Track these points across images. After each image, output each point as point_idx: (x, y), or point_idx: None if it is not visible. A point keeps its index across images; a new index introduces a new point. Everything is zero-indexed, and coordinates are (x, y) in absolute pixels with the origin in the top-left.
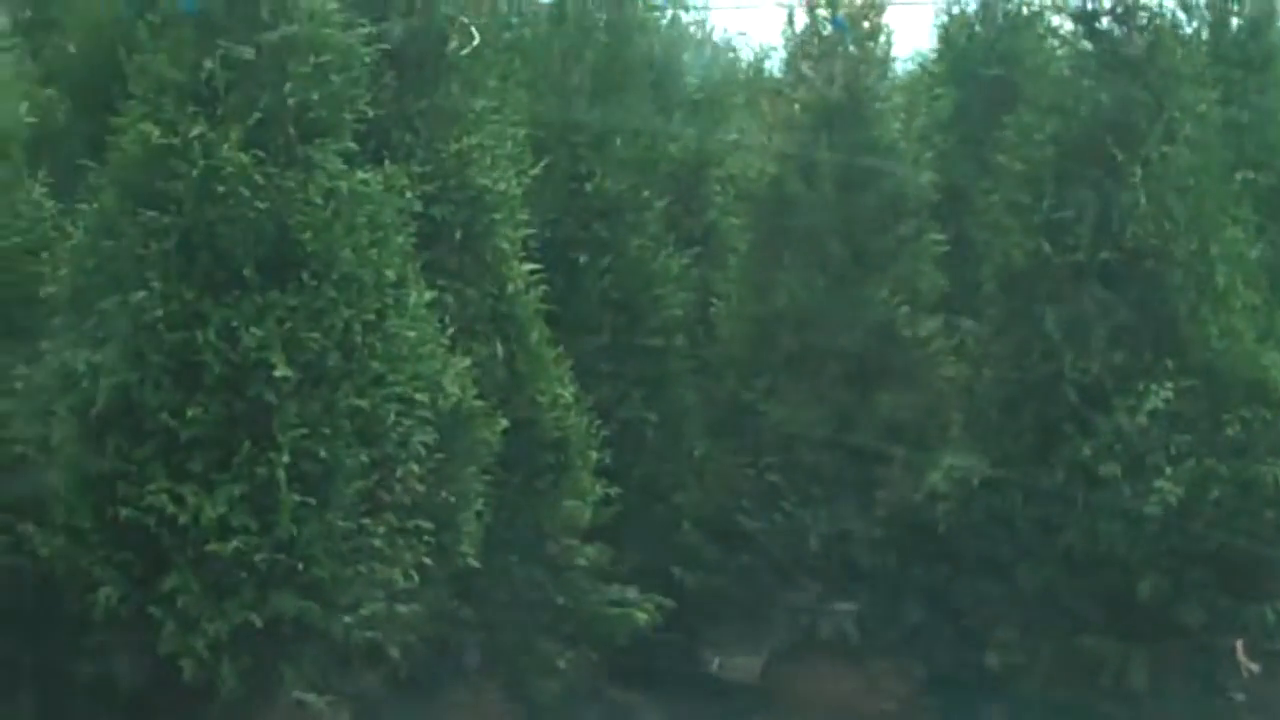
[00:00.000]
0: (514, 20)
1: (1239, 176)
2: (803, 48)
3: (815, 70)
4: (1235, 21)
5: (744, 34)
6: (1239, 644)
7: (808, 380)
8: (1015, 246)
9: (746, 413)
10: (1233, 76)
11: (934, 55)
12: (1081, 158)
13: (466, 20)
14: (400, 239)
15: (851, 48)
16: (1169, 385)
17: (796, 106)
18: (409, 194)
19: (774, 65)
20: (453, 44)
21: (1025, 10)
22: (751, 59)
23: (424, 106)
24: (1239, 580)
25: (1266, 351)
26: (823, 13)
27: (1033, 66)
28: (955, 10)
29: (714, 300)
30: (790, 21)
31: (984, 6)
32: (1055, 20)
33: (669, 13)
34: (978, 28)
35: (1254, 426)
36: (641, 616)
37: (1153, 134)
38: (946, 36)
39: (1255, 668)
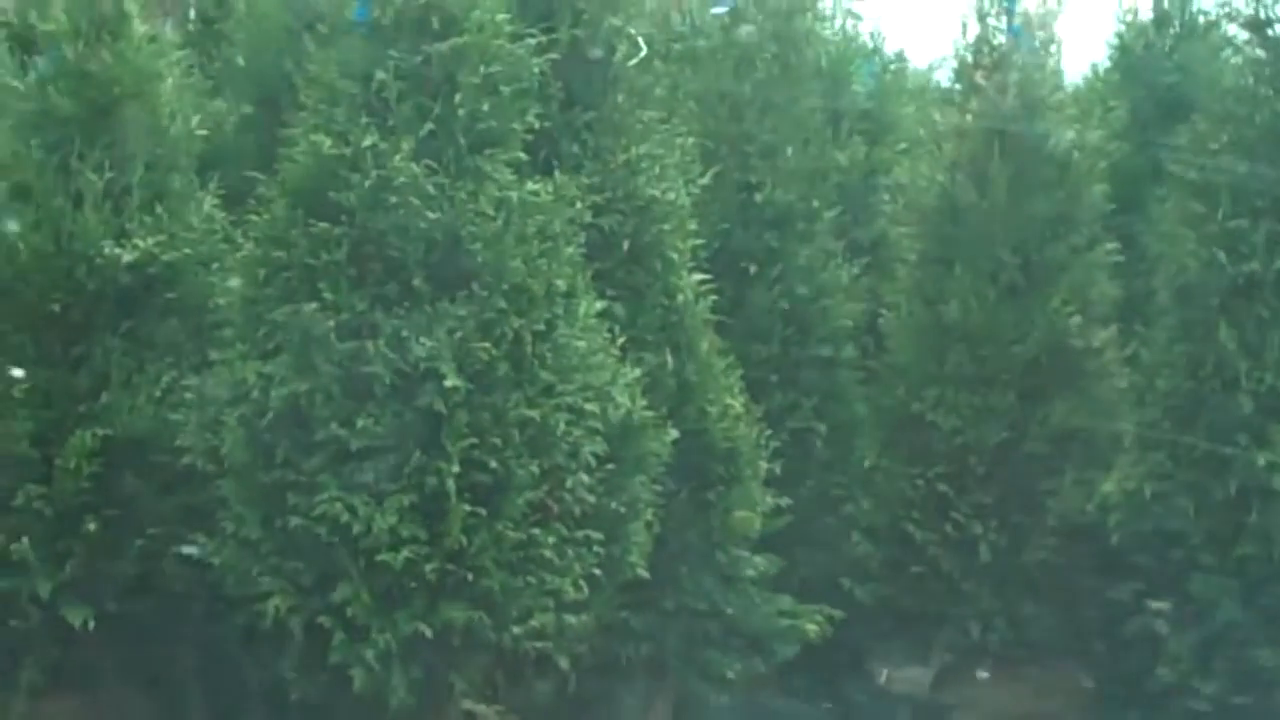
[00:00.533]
0: (684, 30)
1: None
2: (975, 57)
3: (988, 79)
4: None
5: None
6: None
7: (978, 391)
8: (1189, 256)
9: (916, 423)
10: None
11: (1108, 65)
12: (1256, 166)
13: (634, 31)
14: (570, 249)
15: (1025, 57)
16: None
17: (968, 116)
18: (578, 204)
19: (944, 75)
20: (620, 54)
21: (1200, 19)
22: (922, 68)
23: (592, 117)
24: None
25: None
26: (993, 22)
27: (1207, 75)
28: (1130, 19)
29: (883, 310)
30: (963, 31)
31: (1158, 16)
32: (1230, 29)
33: (839, 22)
34: (1152, 37)
35: None
36: (811, 628)
37: None
38: (1121, 46)
39: None
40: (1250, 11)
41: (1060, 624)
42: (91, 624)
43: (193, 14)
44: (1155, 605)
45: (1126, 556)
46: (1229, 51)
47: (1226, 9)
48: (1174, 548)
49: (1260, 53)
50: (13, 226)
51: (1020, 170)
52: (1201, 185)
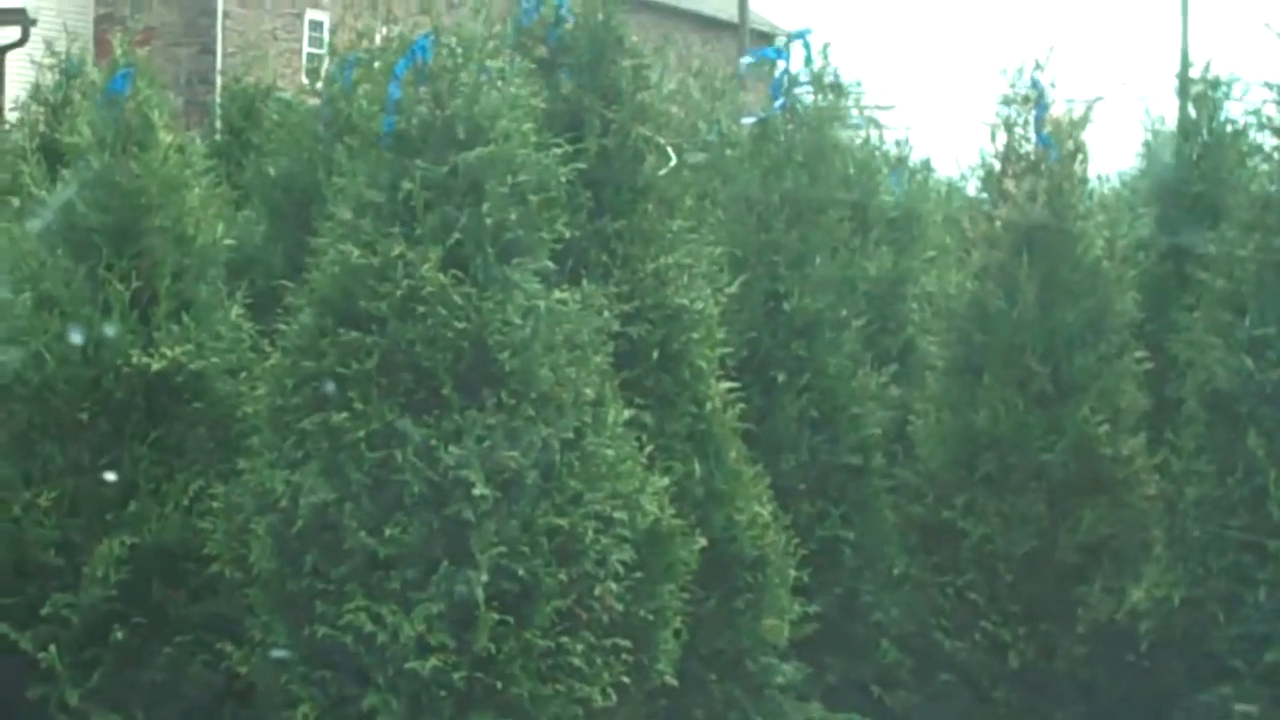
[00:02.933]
0: (712, 140)
1: None
2: (1004, 164)
3: (1017, 187)
4: None
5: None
6: None
7: (1008, 498)
8: (1217, 363)
9: (945, 531)
10: None
11: (1136, 172)
12: None
13: (662, 141)
14: (598, 358)
15: (1054, 165)
16: None
17: (997, 223)
18: (606, 313)
19: (972, 184)
20: (649, 164)
21: (1228, 127)
22: (949, 177)
23: (621, 226)
24: None
25: None
26: (1021, 130)
27: (1235, 183)
28: (1157, 127)
29: (912, 418)
30: (992, 138)
31: (1185, 124)
32: (1258, 137)
33: (866, 133)
34: (1180, 144)
35: None
36: None
37: None
38: (1148, 153)
39: None
40: None
41: None
42: None
43: (219, 124)
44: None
45: (1156, 663)
46: (1257, 159)
47: (1255, 116)
48: (1204, 655)
49: None
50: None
51: (1049, 278)
52: (1229, 293)
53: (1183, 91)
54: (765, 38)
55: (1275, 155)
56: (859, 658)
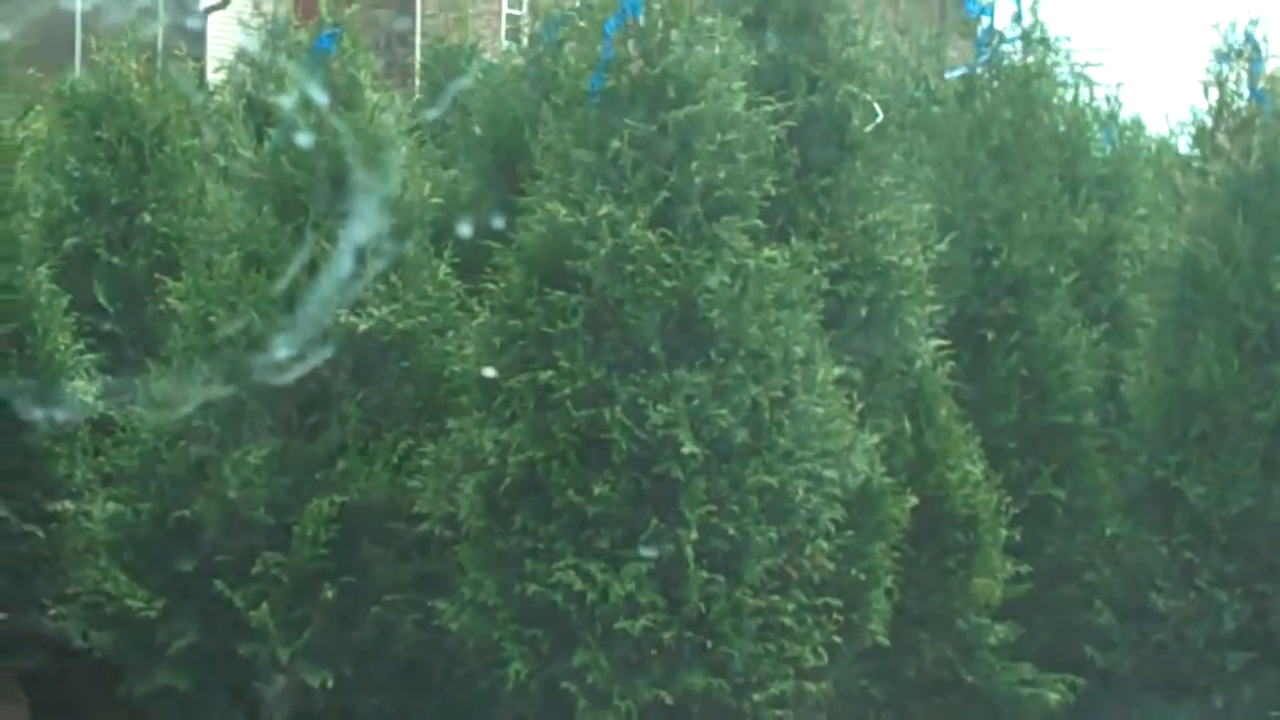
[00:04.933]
0: (920, 96)
1: None
2: (1216, 120)
3: (1230, 143)
4: None
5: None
6: None
7: (1223, 457)
8: None
9: (1159, 490)
10: None
11: None
12: None
13: (870, 97)
14: (807, 316)
15: (1269, 120)
16: None
17: (1211, 179)
18: (815, 270)
19: (1182, 141)
20: (856, 121)
21: None
22: (1160, 134)
23: (828, 183)
24: None
25: None
26: (1234, 86)
27: None
28: None
29: (1123, 377)
30: (1205, 93)
31: None
32: None
33: (1075, 88)
34: None
35: None
36: (1054, 696)
37: None
38: None
39: None
40: None
41: None
42: (330, 683)
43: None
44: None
45: None
46: None
47: None
48: None
49: None
50: None
51: (1264, 234)
52: None
53: None
54: None
55: None
56: (1071, 618)
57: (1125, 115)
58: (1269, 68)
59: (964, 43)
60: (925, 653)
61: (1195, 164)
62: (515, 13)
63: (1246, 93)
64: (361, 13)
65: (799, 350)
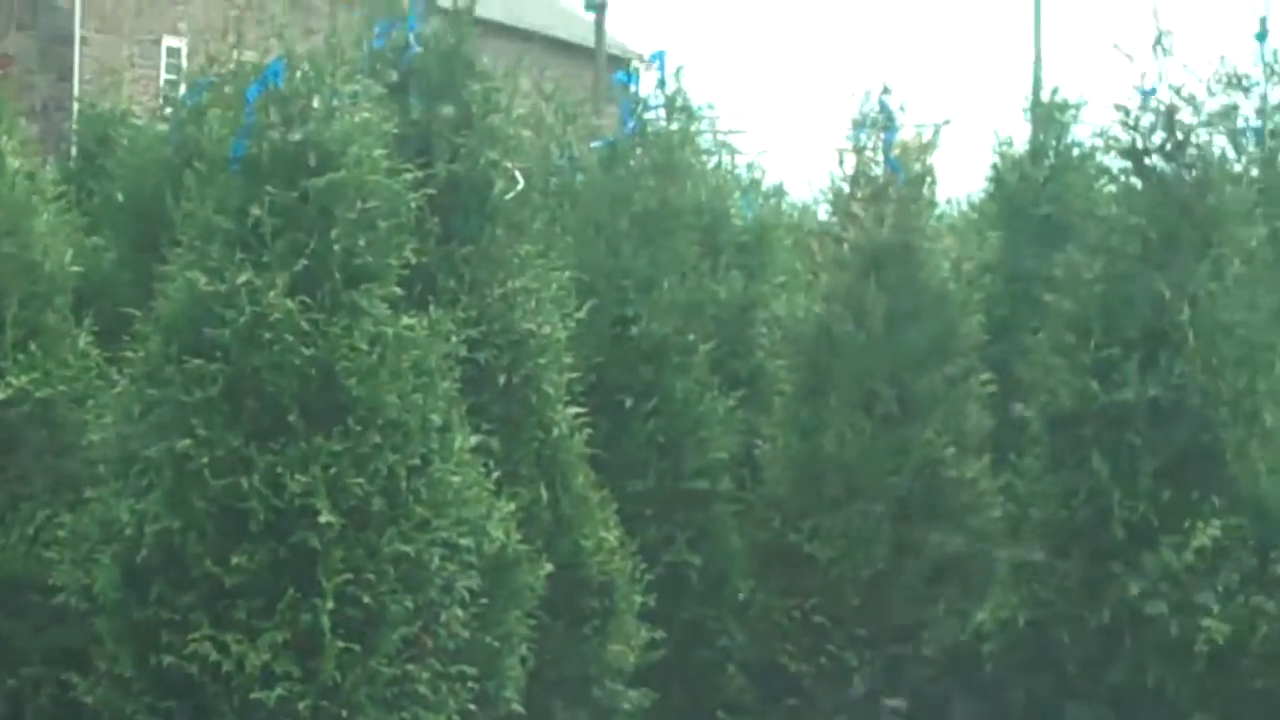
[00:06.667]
0: (563, 165)
1: None
2: (852, 188)
3: (865, 210)
4: None
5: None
6: None
7: (854, 522)
8: (1063, 385)
9: (792, 555)
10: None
11: (984, 196)
12: (1129, 296)
13: (511, 165)
14: (445, 384)
15: (902, 188)
16: (1216, 523)
17: (845, 247)
18: (454, 338)
19: (822, 208)
20: (498, 188)
21: (1075, 150)
22: (802, 201)
23: (469, 251)
24: None
25: None
26: (870, 154)
27: (1082, 206)
28: (1005, 150)
29: (759, 442)
30: (840, 162)
31: (1034, 146)
32: (1105, 159)
33: (717, 157)
34: (1027, 168)
35: None
36: None
37: (1200, 272)
38: (997, 177)
39: None
40: (1127, 141)
41: None
42: None
43: (74, 150)
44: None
45: (1002, 685)
46: (1104, 181)
47: (1103, 138)
48: (1049, 676)
49: (1136, 182)
50: None
51: (896, 301)
52: (1075, 315)
53: (1033, 114)
54: (621, 61)
55: (1122, 177)
56: (705, 684)
57: (769, 183)
58: (902, 136)
59: (613, 110)
60: (560, 719)
61: (832, 231)
62: (173, 78)
63: (882, 160)
64: (19, 77)
65: (436, 418)
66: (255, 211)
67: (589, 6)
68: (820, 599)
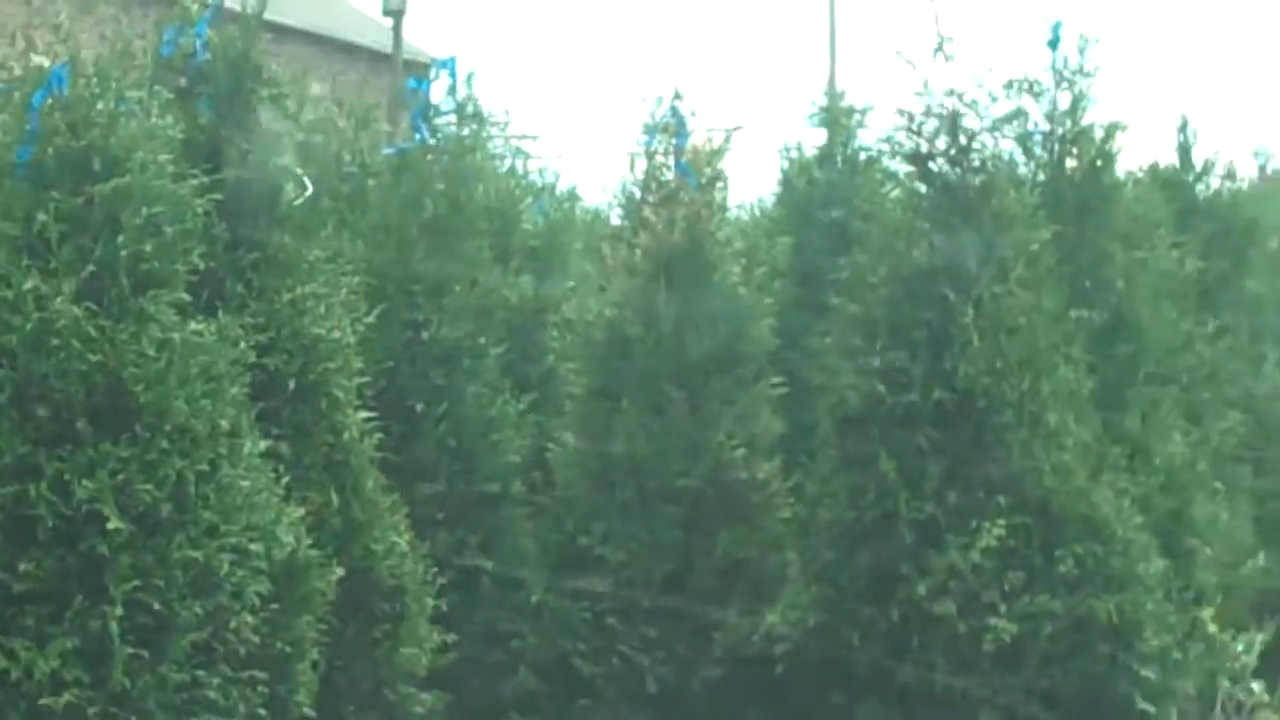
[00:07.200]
0: (354, 171)
1: (1073, 315)
2: (643, 193)
3: (656, 215)
4: (1071, 164)
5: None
6: None
7: (645, 524)
8: (850, 389)
9: (584, 557)
10: (1067, 217)
11: (774, 201)
12: (914, 299)
13: (300, 171)
14: (234, 389)
15: (693, 193)
16: (1002, 523)
17: (637, 251)
18: (242, 344)
19: (615, 212)
20: (287, 194)
21: (863, 155)
22: (596, 206)
23: (257, 257)
24: (1074, 716)
25: (1098, 488)
26: (661, 158)
27: (868, 210)
28: (794, 155)
29: (551, 445)
30: (631, 167)
31: (822, 152)
32: (891, 164)
33: (509, 161)
34: (816, 172)
35: (1086, 563)
36: None
37: (984, 275)
38: (786, 181)
39: None
40: (911, 146)
41: None
42: None
43: None
44: None
45: (793, 687)
46: (890, 186)
47: (889, 144)
48: (838, 677)
49: (921, 186)
50: None
51: (686, 304)
52: (861, 318)
53: (824, 120)
54: (420, 67)
55: (908, 182)
56: (498, 685)
57: (562, 187)
58: (694, 141)
59: (405, 117)
60: None
61: (624, 235)
62: None
63: (674, 165)
64: None
65: (225, 424)
66: (41, 217)
67: (387, 12)
68: (612, 600)
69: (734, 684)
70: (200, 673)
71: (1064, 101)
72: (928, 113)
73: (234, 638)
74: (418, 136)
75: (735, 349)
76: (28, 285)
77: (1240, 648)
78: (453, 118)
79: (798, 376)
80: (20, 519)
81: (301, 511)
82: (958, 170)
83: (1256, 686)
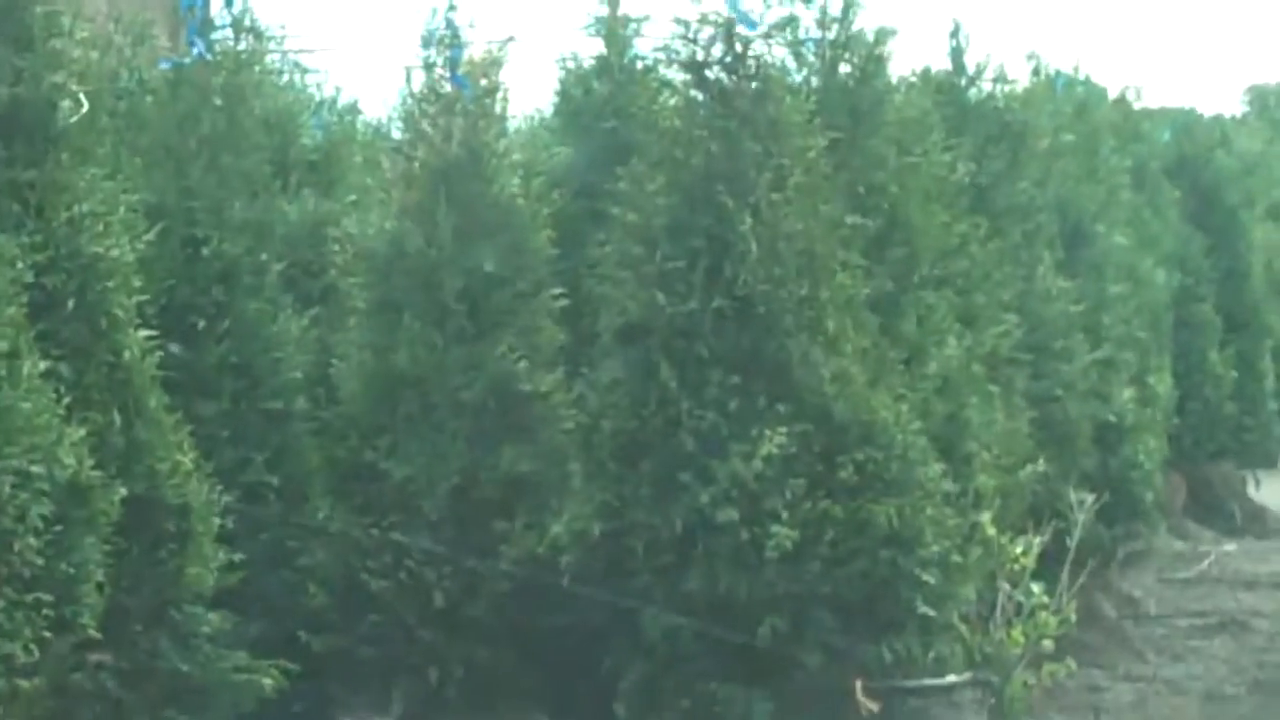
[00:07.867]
0: (132, 89)
1: (849, 221)
2: (421, 105)
3: (433, 127)
4: (844, 69)
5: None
6: (858, 683)
7: (429, 438)
8: (630, 298)
9: (369, 472)
10: (841, 123)
11: (551, 111)
12: (693, 208)
13: (76, 88)
14: (12, 309)
15: (470, 105)
16: (783, 430)
17: (415, 164)
18: (19, 264)
19: (396, 126)
20: (62, 112)
21: (640, 64)
22: (375, 120)
23: (33, 176)
24: (856, 620)
25: (877, 394)
26: (440, 70)
27: (646, 119)
28: (571, 66)
29: (334, 361)
30: (407, 79)
31: (599, 62)
32: (668, 72)
33: (287, 76)
34: (593, 83)
35: (867, 469)
36: (267, 682)
37: (761, 182)
38: (563, 92)
39: (874, 706)
40: (687, 54)
41: (518, 669)
42: None
43: None
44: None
45: (579, 597)
46: (667, 94)
47: (665, 53)
48: (625, 586)
49: (697, 94)
50: None
51: (466, 216)
52: (640, 227)
53: (604, 30)
54: None
55: (684, 90)
56: (287, 603)
57: (343, 101)
58: (471, 53)
59: (183, 32)
60: (140, 643)
61: (403, 148)
62: None
63: (450, 77)
64: None
65: (4, 344)
66: None
67: None
68: (398, 516)
69: (522, 596)
70: None
71: (835, 7)
72: (703, 20)
73: (17, 560)
74: (195, 52)
75: (515, 260)
76: None
77: (1019, 550)
78: (229, 32)
79: (578, 287)
80: None
81: (83, 432)
82: (733, 78)
83: (1036, 588)
